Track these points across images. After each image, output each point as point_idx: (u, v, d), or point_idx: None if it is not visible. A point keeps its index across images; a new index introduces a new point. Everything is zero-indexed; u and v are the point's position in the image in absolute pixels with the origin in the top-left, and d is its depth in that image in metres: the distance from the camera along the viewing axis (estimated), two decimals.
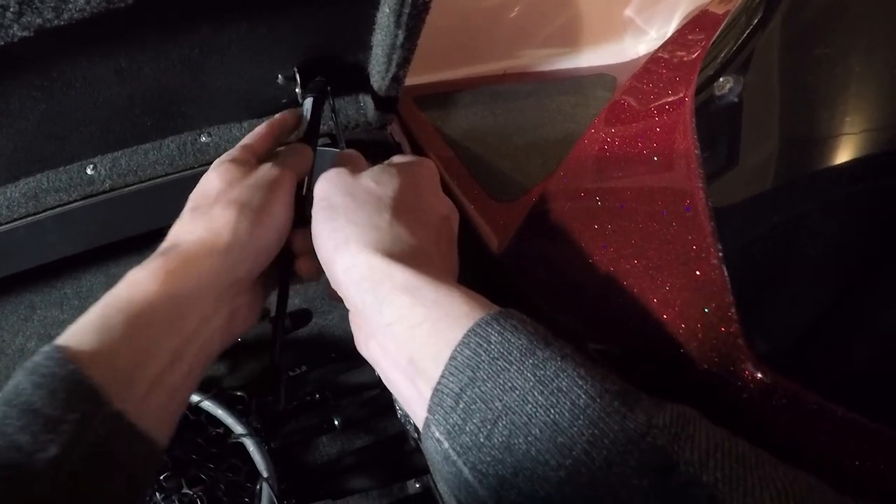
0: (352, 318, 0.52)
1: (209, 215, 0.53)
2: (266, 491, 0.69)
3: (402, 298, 0.44)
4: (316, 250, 0.52)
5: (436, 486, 0.74)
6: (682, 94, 0.57)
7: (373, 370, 0.80)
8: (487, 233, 0.86)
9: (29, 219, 0.80)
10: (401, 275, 0.45)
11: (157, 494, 0.72)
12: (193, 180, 0.81)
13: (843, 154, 0.41)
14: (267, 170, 0.56)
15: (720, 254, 0.46)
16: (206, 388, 0.78)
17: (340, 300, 0.53)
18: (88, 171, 0.80)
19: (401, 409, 0.77)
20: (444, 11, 0.62)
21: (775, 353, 0.41)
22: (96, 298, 0.94)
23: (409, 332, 0.43)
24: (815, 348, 0.40)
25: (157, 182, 0.83)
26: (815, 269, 0.41)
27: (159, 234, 0.88)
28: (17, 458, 0.39)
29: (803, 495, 0.32)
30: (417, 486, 0.77)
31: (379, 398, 0.83)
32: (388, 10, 0.57)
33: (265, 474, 0.70)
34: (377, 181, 0.53)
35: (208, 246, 0.51)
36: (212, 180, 0.56)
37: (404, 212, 0.51)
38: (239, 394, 0.80)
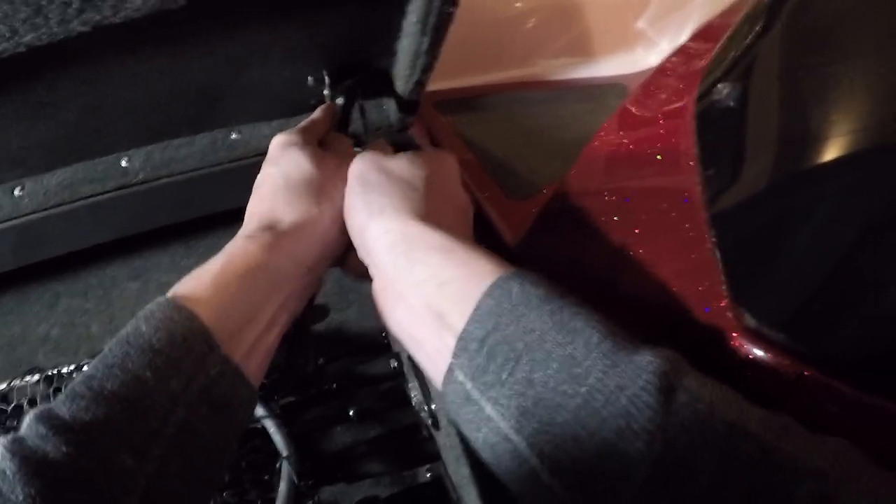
0: (377, 286, 0.54)
1: (310, 199, 0.57)
2: (286, 469, 0.72)
3: (435, 257, 0.47)
4: (347, 222, 0.56)
5: (447, 473, 0.76)
6: (685, 101, 0.60)
7: (387, 363, 0.84)
8: (503, 228, 0.89)
9: (63, 207, 0.83)
10: (433, 237, 0.48)
11: None
12: (223, 175, 0.84)
13: (827, 152, 0.45)
14: (340, 161, 0.60)
15: (713, 239, 0.50)
16: None
17: (361, 275, 0.57)
18: (123, 164, 0.83)
19: (416, 396, 0.79)
20: (466, 22, 0.65)
21: (759, 326, 0.45)
22: (120, 289, 0.98)
23: (439, 288, 0.46)
24: (795, 322, 0.43)
25: (187, 176, 0.85)
26: (794, 252, 0.45)
27: (186, 226, 0.91)
28: (140, 392, 0.43)
29: (786, 420, 0.35)
30: (428, 474, 0.79)
31: (393, 390, 0.85)
32: (415, 19, 0.60)
33: (285, 453, 0.73)
34: (408, 164, 0.57)
35: (308, 229, 0.56)
36: (302, 164, 0.59)
37: (432, 193, 0.55)
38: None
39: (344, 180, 0.59)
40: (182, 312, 0.47)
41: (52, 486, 0.38)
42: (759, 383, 0.44)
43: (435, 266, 0.47)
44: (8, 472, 0.38)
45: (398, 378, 0.84)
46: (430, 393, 0.75)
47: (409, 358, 0.80)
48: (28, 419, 0.41)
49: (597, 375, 0.37)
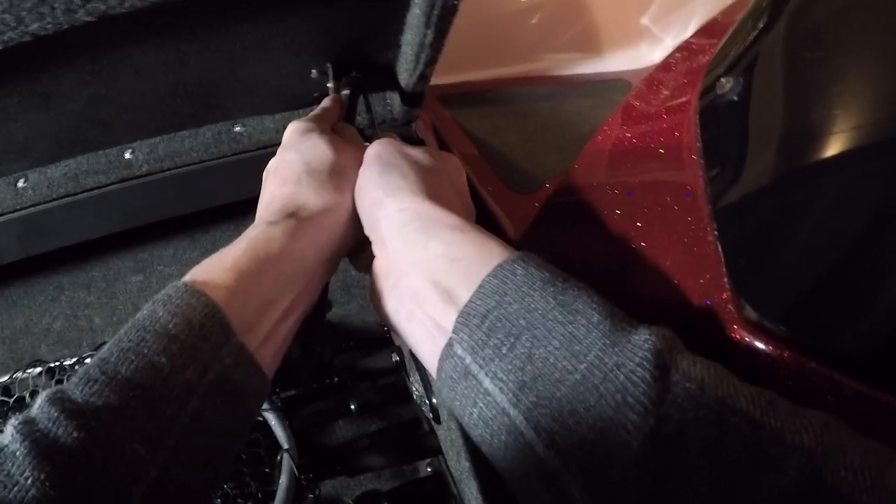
0: (378, 266, 0.54)
1: (333, 185, 0.57)
2: (287, 461, 0.72)
3: (449, 235, 0.48)
4: (358, 199, 0.56)
5: (447, 467, 0.77)
6: (688, 96, 0.60)
7: (389, 357, 0.84)
8: (506, 222, 0.90)
9: (67, 199, 0.83)
10: (449, 218, 0.49)
11: None
12: (227, 168, 0.85)
13: (829, 147, 0.45)
14: (356, 148, 0.61)
15: (715, 232, 0.51)
16: None
17: (363, 262, 0.58)
18: (127, 156, 0.83)
19: (417, 390, 0.80)
20: (470, 16, 0.65)
21: (760, 318, 0.45)
22: (124, 282, 0.98)
23: (451, 264, 0.46)
24: (796, 315, 0.44)
25: (191, 168, 0.86)
26: (795, 246, 0.45)
27: (190, 219, 0.91)
28: (154, 378, 0.43)
29: (772, 395, 0.36)
30: (429, 468, 0.79)
31: (394, 384, 0.86)
32: (418, 12, 0.60)
33: (286, 446, 0.73)
34: (426, 154, 0.58)
35: (331, 216, 0.56)
36: (324, 150, 0.59)
37: (445, 185, 0.56)
38: None
39: (359, 168, 0.59)
40: (200, 299, 0.46)
41: (62, 470, 0.38)
42: (761, 375, 0.44)
43: (449, 243, 0.47)
44: (18, 455, 0.38)
45: (399, 372, 0.84)
46: (431, 387, 0.75)
47: (411, 352, 0.80)
48: (40, 400, 0.41)
49: (596, 353, 0.38)
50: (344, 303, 0.97)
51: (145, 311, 0.46)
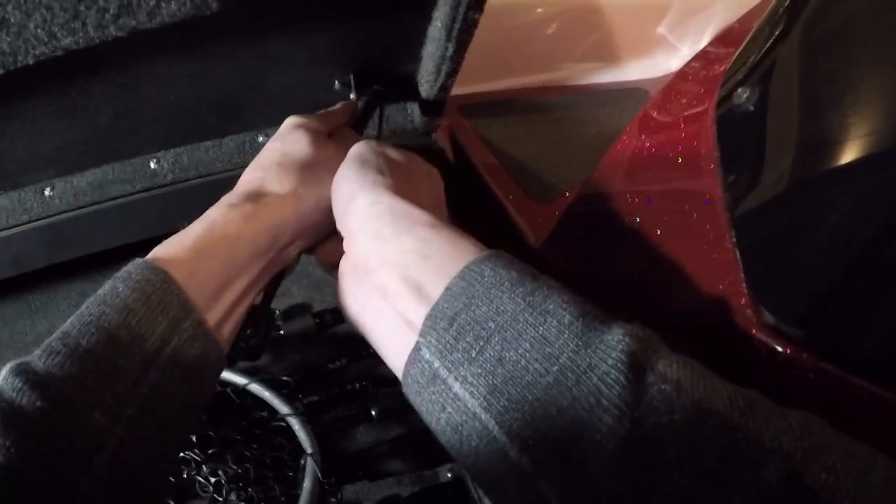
0: (346, 263, 0.54)
1: (301, 178, 0.58)
2: (310, 465, 0.73)
3: (422, 231, 0.47)
4: (334, 193, 0.56)
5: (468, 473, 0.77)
6: (705, 105, 0.61)
7: None
8: (526, 230, 0.90)
9: (93, 207, 0.85)
10: (422, 215, 0.49)
11: (204, 468, 0.75)
12: None
13: (844, 156, 0.45)
14: (341, 151, 0.60)
15: (734, 239, 0.51)
16: (253, 373, 0.83)
17: (332, 266, 0.58)
18: (152, 165, 0.84)
19: None
20: (489, 28, 0.65)
21: (777, 321, 0.46)
22: None
23: (421, 260, 0.46)
24: (812, 319, 0.44)
25: (215, 178, 0.87)
26: (811, 252, 0.46)
27: None
28: (114, 351, 0.44)
29: (753, 396, 0.36)
30: (449, 475, 0.79)
31: None
32: (440, 25, 0.61)
33: (309, 450, 0.74)
34: (407, 157, 0.58)
35: (291, 205, 0.57)
36: (304, 145, 0.61)
37: (424, 190, 0.56)
38: (284, 378, 0.84)
39: (337, 168, 0.58)
40: (159, 275, 0.48)
41: (26, 437, 0.39)
42: (779, 378, 0.45)
43: (422, 239, 0.47)
44: None
45: None
46: None
47: None
48: (4, 372, 0.43)
49: (568, 355, 0.37)
50: None
51: (106, 287, 0.48)
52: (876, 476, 0.32)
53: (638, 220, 0.62)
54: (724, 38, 0.79)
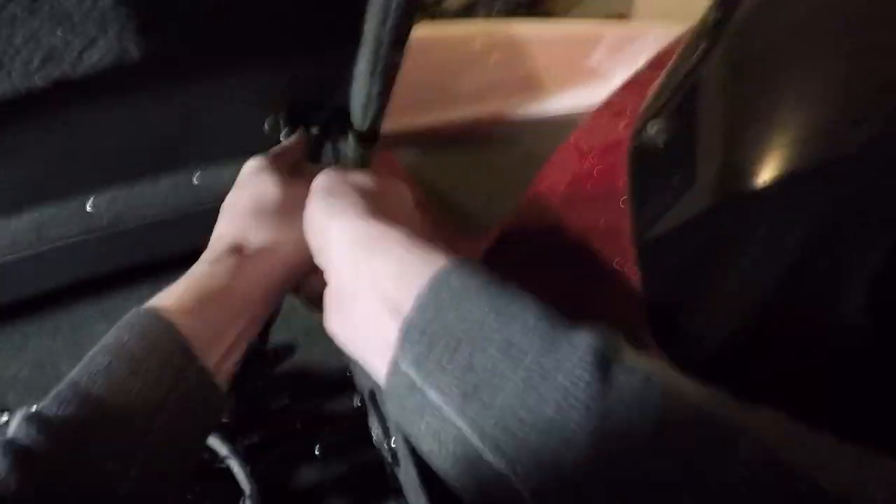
0: (330, 293, 0.54)
1: (278, 224, 0.60)
2: None
3: (396, 250, 0.48)
4: (307, 229, 0.57)
5: None
6: (622, 137, 0.63)
7: (351, 401, 0.85)
8: None
9: (29, 251, 0.84)
10: (394, 234, 0.49)
11: None
12: (186, 219, 0.86)
13: (758, 185, 0.48)
14: (308, 188, 0.60)
15: (640, 272, 0.53)
16: None
17: (314, 302, 0.59)
18: (88, 208, 0.84)
19: (377, 433, 0.80)
20: (418, 65, 0.67)
21: (672, 347, 0.47)
22: (89, 329, 0.99)
23: (395, 280, 0.46)
24: (699, 345, 0.46)
25: (151, 220, 0.87)
26: (705, 286, 0.47)
27: (155, 267, 0.92)
28: (125, 400, 0.47)
29: (720, 394, 0.37)
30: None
31: (358, 427, 0.86)
32: (363, 67, 0.62)
33: (248, 492, 0.74)
34: (371, 178, 0.59)
35: (275, 253, 0.60)
36: (272, 188, 0.62)
37: (393, 207, 0.56)
38: (223, 420, 0.83)
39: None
40: (162, 323, 0.51)
41: (44, 484, 0.42)
42: None
43: (395, 257, 0.48)
44: (1, 471, 0.42)
45: (362, 416, 0.86)
46: (388, 428, 0.76)
47: (371, 394, 0.81)
48: (17, 421, 0.45)
49: (534, 356, 0.38)
50: (307, 347, 0.97)
51: (110, 338, 0.51)
52: (848, 461, 0.33)
53: (556, 255, 0.63)
54: (655, 62, 0.80)
